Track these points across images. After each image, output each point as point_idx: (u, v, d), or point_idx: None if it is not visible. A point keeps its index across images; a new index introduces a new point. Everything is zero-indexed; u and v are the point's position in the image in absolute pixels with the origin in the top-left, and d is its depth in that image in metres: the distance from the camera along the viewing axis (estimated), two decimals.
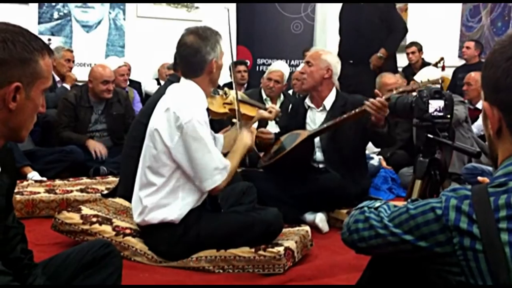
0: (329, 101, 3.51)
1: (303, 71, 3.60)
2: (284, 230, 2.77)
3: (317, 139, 3.46)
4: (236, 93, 2.99)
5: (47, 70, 1.30)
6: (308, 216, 3.31)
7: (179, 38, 2.60)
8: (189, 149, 2.40)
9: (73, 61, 5.70)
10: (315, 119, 3.55)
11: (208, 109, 2.66)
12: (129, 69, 6.25)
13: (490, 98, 1.10)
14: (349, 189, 3.29)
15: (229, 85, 3.33)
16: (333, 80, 3.55)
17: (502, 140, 1.11)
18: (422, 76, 5.27)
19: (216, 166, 2.45)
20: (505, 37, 1.10)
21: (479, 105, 5.11)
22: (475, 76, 5.14)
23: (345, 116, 3.18)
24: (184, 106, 2.44)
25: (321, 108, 3.53)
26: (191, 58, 2.53)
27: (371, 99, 3.04)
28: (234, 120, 3.64)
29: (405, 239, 1.15)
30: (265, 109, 3.20)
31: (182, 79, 2.60)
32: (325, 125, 3.31)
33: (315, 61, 3.49)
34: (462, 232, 1.05)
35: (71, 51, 5.73)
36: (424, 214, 1.11)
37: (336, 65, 3.54)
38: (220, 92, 3.13)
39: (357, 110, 3.13)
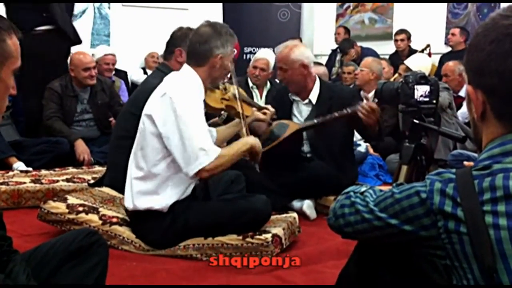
0: (314, 94, 3.47)
1: (281, 77, 3.53)
2: (271, 217, 2.78)
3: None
4: (238, 91, 2.98)
5: (15, 49, 1.29)
6: (296, 203, 3.32)
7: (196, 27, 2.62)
8: (179, 127, 2.38)
9: None
10: (301, 111, 3.54)
11: (204, 102, 2.65)
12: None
13: (474, 82, 1.10)
14: (336, 177, 3.28)
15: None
16: (312, 70, 3.48)
17: (486, 123, 1.11)
18: (413, 62, 5.28)
19: (202, 147, 2.39)
20: (488, 20, 1.09)
21: (462, 93, 5.12)
22: (451, 66, 5.13)
23: (336, 115, 3.13)
24: (180, 91, 2.44)
25: (306, 101, 3.50)
26: (199, 46, 2.54)
27: (362, 103, 2.99)
28: (223, 113, 3.62)
29: (391, 223, 1.15)
30: (260, 109, 3.15)
31: (185, 65, 2.60)
32: (315, 121, 3.27)
33: (288, 65, 3.38)
34: (447, 215, 1.05)
35: None
36: (409, 198, 1.11)
37: (309, 56, 3.45)
38: (220, 86, 3.11)
39: (349, 110, 3.06)
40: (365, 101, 3.02)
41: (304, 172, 3.28)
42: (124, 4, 7.54)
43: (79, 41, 5.09)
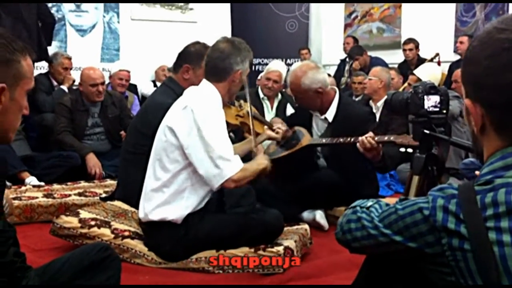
0: (331, 113, 3.44)
1: (298, 103, 3.55)
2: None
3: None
4: (251, 109, 3.00)
5: (29, 70, 1.32)
6: (307, 215, 3.31)
7: (213, 43, 2.64)
8: (202, 139, 2.39)
9: (71, 69, 5.60)
10: (318, 124, 3.55)
11: None
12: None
13: (472, 95, 1.09)
14: (345, 186, 3.24)
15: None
16: (328, 89, 3.45)
17: (486, 136, 1.10)
18: (423, 72, 5.26)
19: (227, 157, 2.42)
20: (484, 33, 1.07)
21: None
22: None
23: (341, 140, 3.13)
24: (202, 104, 2.47)
25: (323, 117, 3.49)
26: (220, 62, 2.56)
27: (362, 138, 2.94)
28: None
29: (396, 240, 1.13)
30: (272, 128, 3.17)
31: (204, 80, 2.62)
32: (323, 141, 3.29)
33: (301, 94, 3.40)
34: (450, 232, 1.03)
35: (70, 59, 5.60)
36: (412, 214, 1.10)
37: (321, 78, 3.39)
38: (236, 103, 3.15)
39: (352, 139, 3.04)
40: (369, 134, 2.97)
41: (312, 179, 3.28)
42: (133, 18, 7.60)
43: (41, 59, 5.07)
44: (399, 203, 1.16)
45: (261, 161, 2.65)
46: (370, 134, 2.95)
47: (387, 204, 1.23)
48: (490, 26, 1.07)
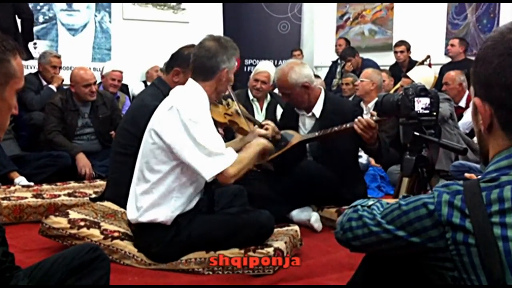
0: (318, 109, 3.47)
1: (285, 100, 3.58)
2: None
3: (307, 144, 3.46)
4: (239, 108, 3.00)
5: (19, 70, 1.31)
6: (301, 215, 3.31)
7: (199, 41, 2.62)
8: (192, 136, 2.38)
9: (60, 68, 5.51)
10: (305, 123, 3.56)
11: None
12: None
13: (482, 94, 1.10)
14: (330, 175, 3.27)
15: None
16: (314, 85, 3.48)
17: (493, 135, 1.11)
18: (416, 75, 5.28)
19: (218, 151, 2.40)
20: (497, 33, 1.09)
21: (461, 103, 5.13)
22: (453, 75, 5.14)
23: (335, 129, 3.13)
24: (187, 103, 2.45)
25: (310, 114, 3.50)
26: (206, 61, 2.55)
27: (359, 117, 2.99)
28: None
29: (398, 235, 1.15)
30: (261, 126, 3.18)
31: (190, 80, 2.61)
32: (316, 134, 3.29)
33: (289, 89, 3.41)
34: (455, 227, 1.05)
35: (59, 57, 5.51)
36: (416, 209, 1.11)
37: (307, 73, 3.42)
38: (224, 102, 3.14)
39: (347, 125, 3.06)
40: (365, 116, 3.01)
41: (298, 172, 3.29)
42: (125, 18, 7.58)
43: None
44: (402, 199, 1.17)
45: (256, 143, 2.66)
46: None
47: (388, 203, 1.25)
48: (504, 26, 1.09)
